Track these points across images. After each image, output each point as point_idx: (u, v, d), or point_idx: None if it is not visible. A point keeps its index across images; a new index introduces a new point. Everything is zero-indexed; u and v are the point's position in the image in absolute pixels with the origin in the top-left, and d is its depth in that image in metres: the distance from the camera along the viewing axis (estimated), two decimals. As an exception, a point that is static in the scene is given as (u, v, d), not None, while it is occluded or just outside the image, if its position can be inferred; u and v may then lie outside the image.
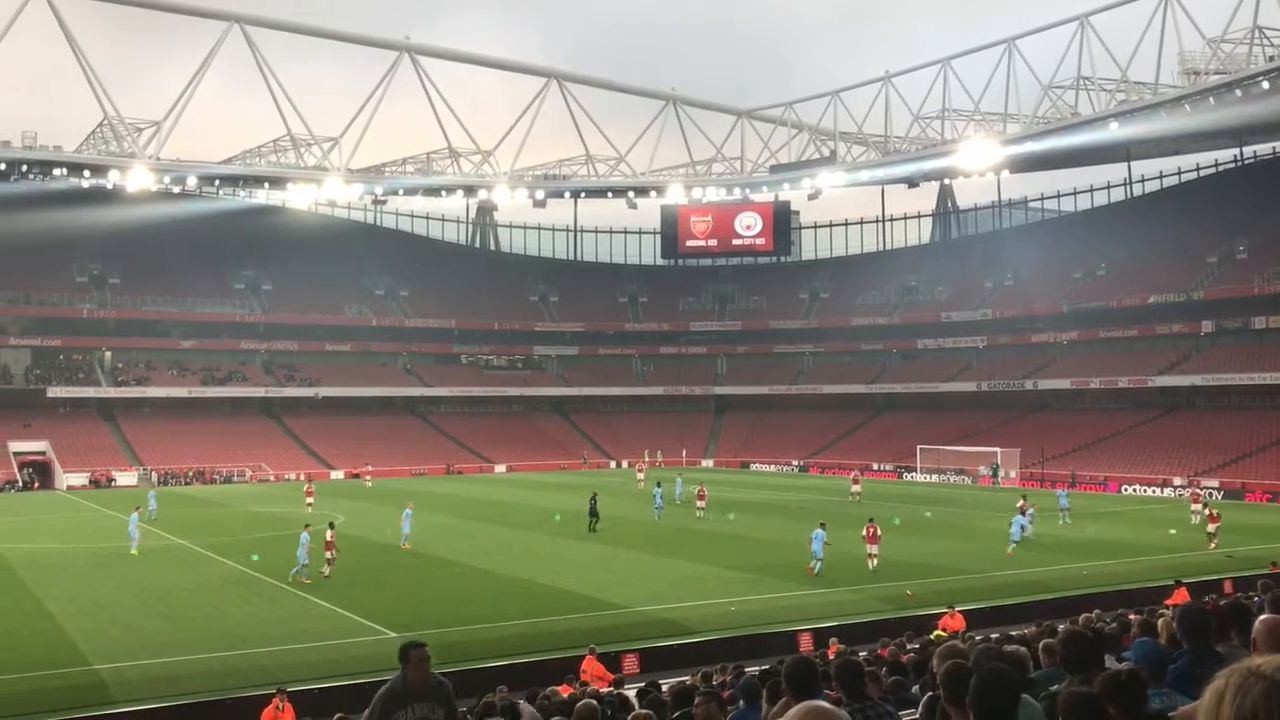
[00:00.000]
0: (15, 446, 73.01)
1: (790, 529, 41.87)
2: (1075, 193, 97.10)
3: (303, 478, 69.41)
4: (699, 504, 46.72)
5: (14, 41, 63.72)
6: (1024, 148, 76.76)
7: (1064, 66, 71.59)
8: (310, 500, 51.54)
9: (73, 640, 22.99)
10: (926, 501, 54.30)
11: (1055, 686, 5.34)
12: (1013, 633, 15.23)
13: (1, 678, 20.00)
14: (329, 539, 31.50)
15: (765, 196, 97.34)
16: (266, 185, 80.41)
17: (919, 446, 73.44)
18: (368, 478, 70.26)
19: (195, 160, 74.86)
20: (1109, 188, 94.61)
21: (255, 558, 28.10)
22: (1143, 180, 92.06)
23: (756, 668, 13.61)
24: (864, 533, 32.24)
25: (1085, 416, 77.49)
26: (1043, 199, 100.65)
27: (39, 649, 22.29)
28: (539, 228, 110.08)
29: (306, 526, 32.02)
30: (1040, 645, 8.55)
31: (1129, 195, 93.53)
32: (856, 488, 56.61)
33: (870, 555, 31.68)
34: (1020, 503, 40.26)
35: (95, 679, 20.02)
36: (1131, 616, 13.32)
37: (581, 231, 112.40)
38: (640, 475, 68.17)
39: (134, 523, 37.70)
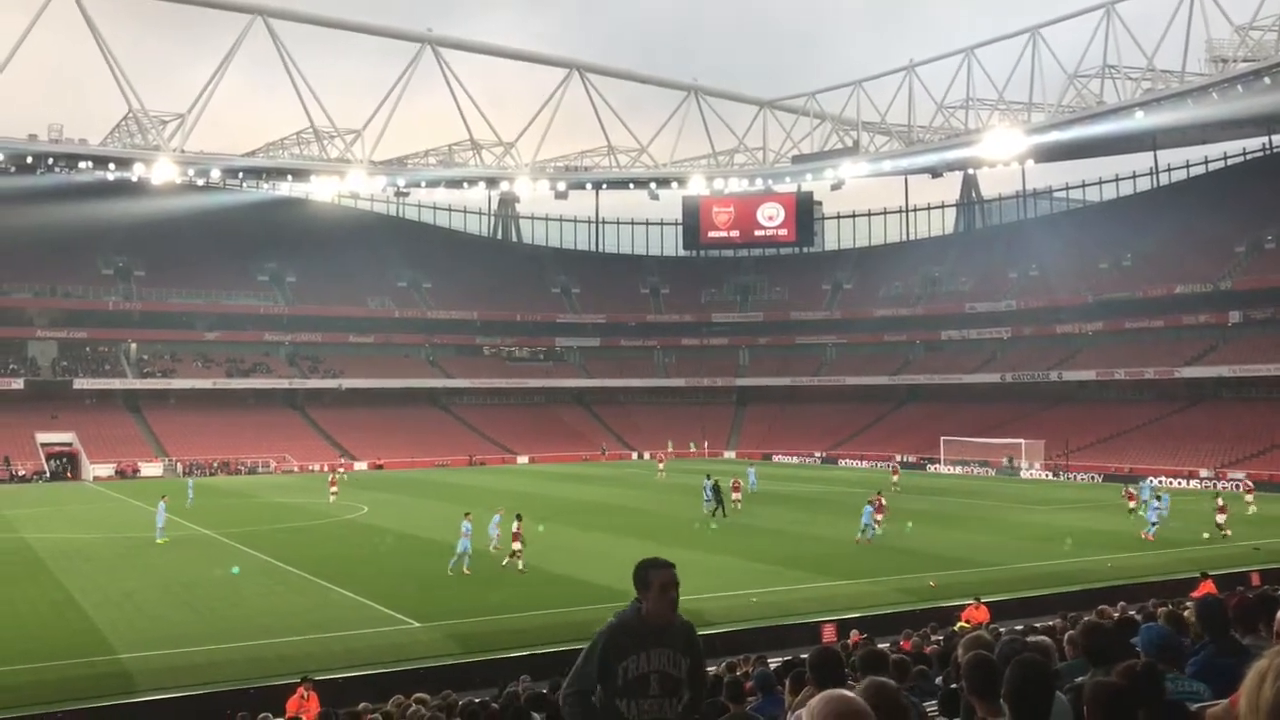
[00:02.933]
0: (43, 438, 73.76)
1: (810, 520, 41.84)
2: (1101, 182, 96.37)
3: (326, 469, 69.73)
4: (735, 496, 46.16)
5: (40, 35, 64.28)
6: (1049, 137, 76.19)
7: (1089, 55, 71.10)
8: (334, 490, 51.79)
9: (100, 629, 23.19)
10: (948, 493, 54.06)
11: (1080, 678, 5.30)
12: (1037, 624, 15.15)
13: (30, 666, 20.21)
14: (516, 529, 31.04)
15: (788, 187, 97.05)
16: (290, 177, 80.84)
17: (943, 438, 73.12)
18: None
19: (219, 153, 75.29)
20: (1135, 177, 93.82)
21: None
22: (1169, 170, 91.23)
23: (779, 659, 13.60)
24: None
25: (1111, 408, 76.95)
26: (1068, 189, 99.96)
27: (67, 638, 22.49)
28: (561, 219, 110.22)
29: (467, 515, 31.50)
30: (1065, 637, 8.50)
31: (1155, 185, 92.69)
32: (896, 477, 56.93)
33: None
34: (1130, 490, 44.15)
35: (121, 668, 20.18)
36: (1158, 609, 13.21)
37: (603, 223, 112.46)
38: (661, 467, 68.11)
39: (161, 512, 37.81)
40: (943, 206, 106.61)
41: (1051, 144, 78.72)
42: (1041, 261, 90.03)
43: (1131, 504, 43.51)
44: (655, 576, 4.99)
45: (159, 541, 36.44)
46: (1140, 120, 70.41)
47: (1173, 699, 4.55)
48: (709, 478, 45.21)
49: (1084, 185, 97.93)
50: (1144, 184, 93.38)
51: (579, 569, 30.55)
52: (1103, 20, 69.38)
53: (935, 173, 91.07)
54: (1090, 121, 72.57)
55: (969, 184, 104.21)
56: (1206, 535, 36.35)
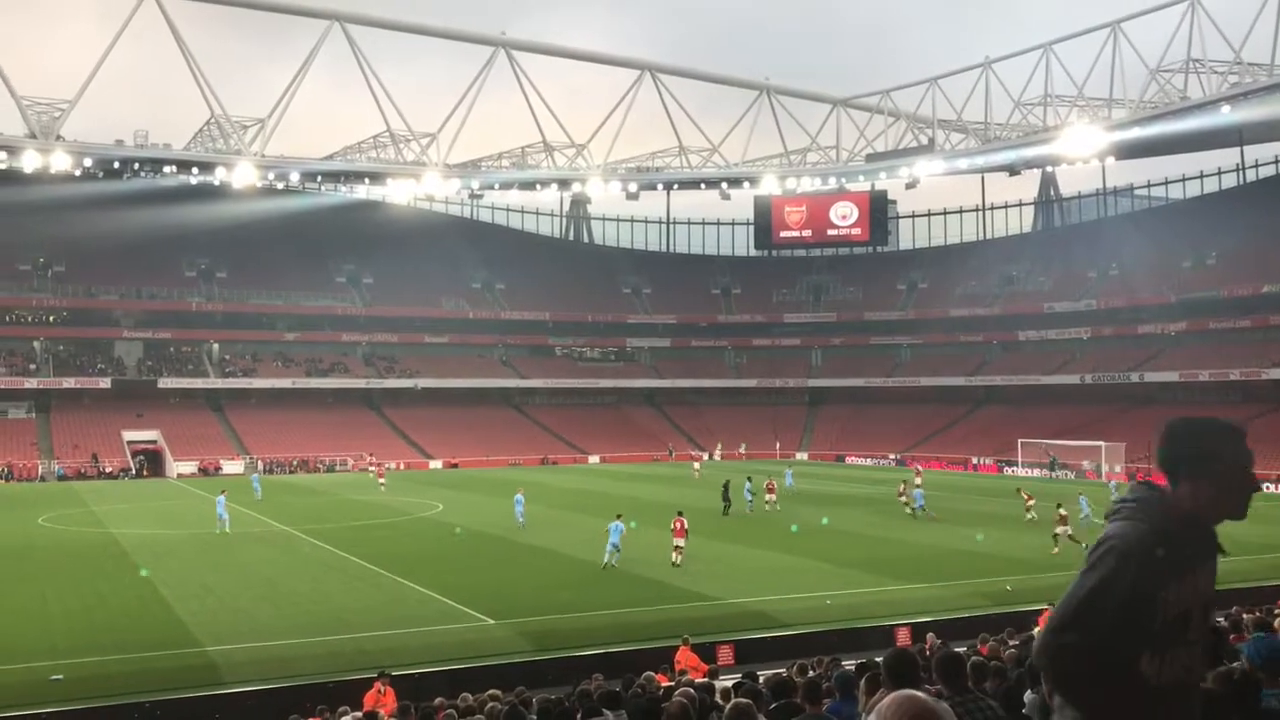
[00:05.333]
0: (129, 435, 75.84)
1: (882, 524, 41.43)
2: (1184, 179, 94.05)
3: (369, 464, 70.51)
4: (769, 496, 46.06)
5: (126, 44, 65.98)
6: (1130, 133, 74.54)
7: (1173, 48, 69.38)
8: (382, 483, 52.63)
9: (184, 622, 23.78)
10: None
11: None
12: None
13: (120, 657, 20.81)
14: (679, 527, 31.33)
15: (861, 186, 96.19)
16: (367, 181, 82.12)
17: (1020, 440, 71.94)
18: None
19: (298, 157, 76.72)
20: (1220, 174, 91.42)
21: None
22: (1256, 165, 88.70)
23: (852, 662, 13.51)
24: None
25: (1194, 410, 74.53)
26: (1149, 186, 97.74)
27: (153, 630, 23.10)
28: (632, 220, 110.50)
29: (618, 516, 32.00)
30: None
31: (1241, 181, 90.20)
32: (919, 480, 56.15)
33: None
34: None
35: (207, 660, 20.69)
36: (1245, 615, 12.90)
37: (674, 223, 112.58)
38: (697, 466, 68.29)
39: (221, 504, 39.96)
40: (1020, 205, 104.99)
41: (1133, 141, 76.98)
42: (1122, 260, 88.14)
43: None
44: (1231, 449, 3.10)
45: (225, 531, 38.51)
46: (1226, 115, 68.57)
47: (1269, 708, 4.45)
48: (749, 479, 46.94)
49: (1166, 182, 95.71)
50: (1229, 180, 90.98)
51: (649, 568, 30.60)
52: (1186, 13, 67.69)
53: (1012, 170, 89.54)
54: (1174, 117, 70.86)
55: (1047, 182, 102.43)
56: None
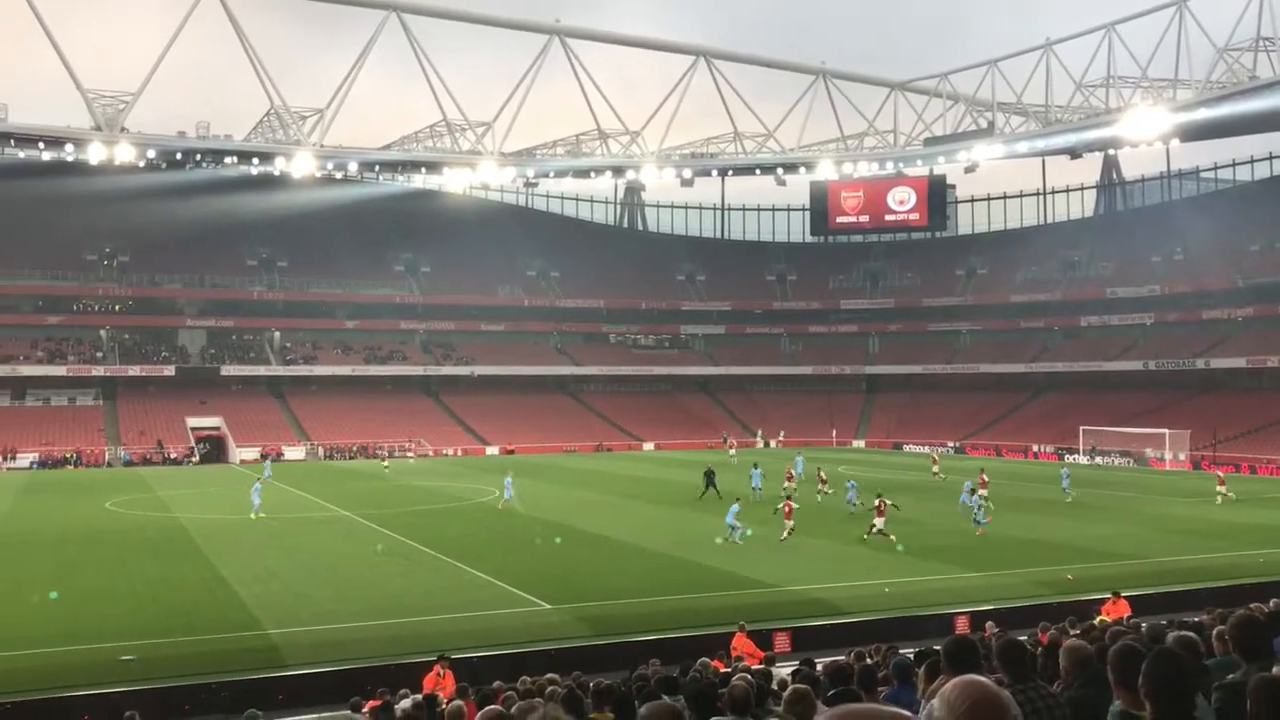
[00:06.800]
0: (193, 422, 77.29)
1: (940, 511, 41.02)
2: (1252, 161, 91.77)
3: (384, 455, 71.06)
4: (787, 483, 45.52)
5: (186, 36, 66.85)
6: (1196, 115, 72.74)
7: (1241, 27, 67.59)
8: (386, 467, 53.65)
9: (247, 606, 24.23)
10: (1086, 484, 52.29)
11: (1231, 675, 5.12)
12: (1184, 619, 14.60)
13: (186, 639, 21.27)
14: (788, 509, 32.88)
15: (919, 170, 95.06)
16: (423, 170, 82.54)
17: (1082, 427, 70.91)
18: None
19: (356, 147, 77.34)
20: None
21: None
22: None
23: (910, 650, 13.42)
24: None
25: (1262, 397, 73.38)
26: (1216, 168, 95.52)
27: (218, 613, 23.57)
28: (686, 206, 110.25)
29: (737, 499, 33.94)
30: (1214, 633, 8.20)
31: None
32: (936, 467, 56.12)
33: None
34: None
35: (269, 643, 21.07)
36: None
37: (729, 209, 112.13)
38: (732, 451, 68.18)
39: (257, 491, 40.94)
40: (1082, 189, 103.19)
41: (1199, 122, 75.09)
42: (1187, 244, 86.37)
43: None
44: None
45: (259, 515, 39.33)
46: (1297, 95, 66.73)
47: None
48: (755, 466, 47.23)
49: (1234, 164, 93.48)
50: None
51: (706, 554, 30.64)
52: (1255, -10, 65.93)
53: (1074, 154, 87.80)
54: (1242, 98, 69.03)
55: (1110, 165, 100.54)
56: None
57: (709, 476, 45.53)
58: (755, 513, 37.15)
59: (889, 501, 34.03)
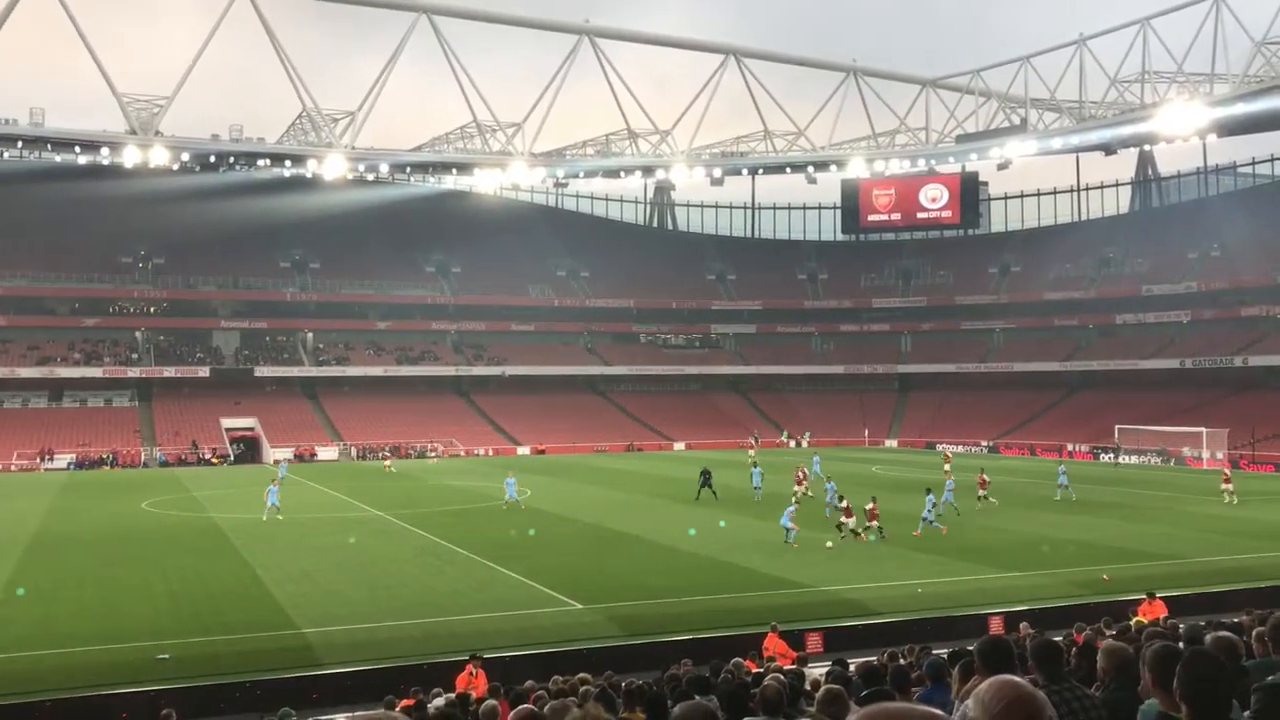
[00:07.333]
0: (227, 423, 78.02)
1: (974, 512, 40.75)
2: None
3: (384, 457, 71.02)
4: (798, 487, 44.86)
5: (219, 39, 67.41)
6: (1233, 110, 71.85)
7: None
8: (388, 466, 53.80)
9: (281, 605, 24.39)
10: (1121, 483, 51.81)
11: (1271, 677, 5.04)
12: (1223, 620, 14.41)
13: (220, 638, 21.45)
14: (872, 509, 33.06)
15: (951, 168, 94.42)
16: (454, 171, 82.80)
17: (1117, 426, 70.21)
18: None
19: (387, 148, 77.75)
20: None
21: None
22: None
23: (944, 650, 13.33)
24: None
25: (1302, 395, 72.45)
26: (1254, 163, 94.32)
27: (252, 612, 23.75)
28: (716, 206, 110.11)
29: (796, 501, 34.60)
30: (1253, 634, 8.08)
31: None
32: (948, 466, 54.56)
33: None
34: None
35: (303, 642, 21.20)
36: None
37: (759, 208, 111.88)
38: (751, 453, 67.96)
39: (273, 493, 40.89)
40: (1116, 185, 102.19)
41: (1237, 117, 74.18)
42: (1224, 241, 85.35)
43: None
44: None
45: (279, 518, 39.17)
46: (1337, 88, 65.78)
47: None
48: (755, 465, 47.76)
49: (1272, 159, 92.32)
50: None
51: (738, 554, 30.56)
52: (1294, -18, 65.03)
53: (1108, 150, 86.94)
54: (1280, 91, 68.17)
55: (1145, 161, 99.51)
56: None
57: (705, 476, 45.33)
58: (756, 513, 36.98)
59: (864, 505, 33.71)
